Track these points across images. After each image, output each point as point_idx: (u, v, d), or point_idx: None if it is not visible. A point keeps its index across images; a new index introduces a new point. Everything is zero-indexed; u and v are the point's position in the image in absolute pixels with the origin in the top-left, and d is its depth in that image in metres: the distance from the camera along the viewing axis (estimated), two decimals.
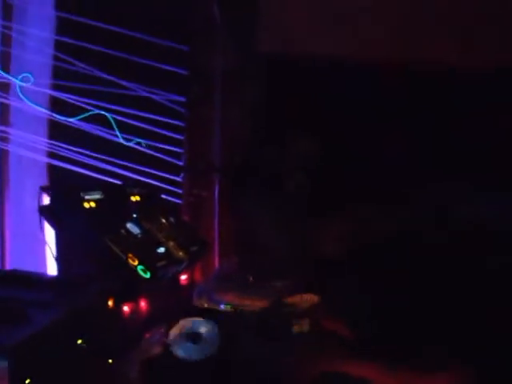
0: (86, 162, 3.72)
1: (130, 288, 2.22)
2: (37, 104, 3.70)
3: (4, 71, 3.63)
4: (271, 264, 2.56)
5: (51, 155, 3.82)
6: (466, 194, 2.00)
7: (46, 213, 2.41)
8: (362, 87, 3.13)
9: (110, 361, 2.01)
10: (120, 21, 3.62)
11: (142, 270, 2.25)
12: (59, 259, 2.53)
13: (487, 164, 2.86)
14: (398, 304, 1.80)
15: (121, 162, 3.71)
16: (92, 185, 2.63)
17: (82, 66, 3.66)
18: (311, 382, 1.96)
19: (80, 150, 3.73)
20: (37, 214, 3.82)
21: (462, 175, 2.65)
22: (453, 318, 1.82)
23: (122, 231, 2.42)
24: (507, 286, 1.82)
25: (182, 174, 3.70)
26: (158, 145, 3.71)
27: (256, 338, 2.07)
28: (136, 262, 2.26)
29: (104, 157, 3.71)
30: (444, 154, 3.00)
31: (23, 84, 3.55)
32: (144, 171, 3.70)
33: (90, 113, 3.62)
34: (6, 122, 3.73)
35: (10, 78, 3.56)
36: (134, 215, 2.59)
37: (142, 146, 3.71)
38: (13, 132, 3.76)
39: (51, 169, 3.88)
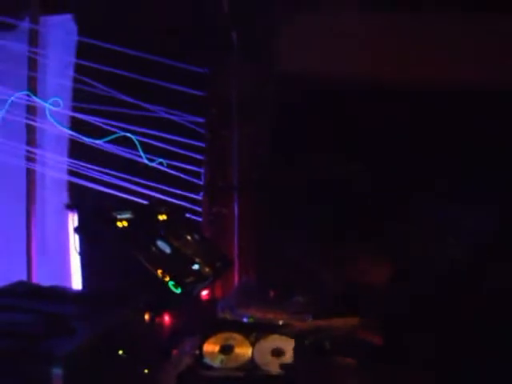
0: (109, 180, 3.87)
1: (163, 302, 2.35)
2: (62, 126, 3.85)
3: (32, 94, 3.79)
4: (294, 279, 2.68)
5: (75, 175, 3.96)
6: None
7: (80, 232, 2.54)
8: (381, 108, 3.25)
9: (146, 370, 2.14)
10: (140, 45, 3.77)
11: (173, 285, 2.39)
12: (91, 275, 2.66)
13: None
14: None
15: (142, 181, 3.86)
16: (122, 204, 2.75)
17: (105, 89, 3.80)
18: None
19: (103, 170, 3.87)
20: (59, 231, 3.99)
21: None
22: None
23: (153, 248, 2.56)
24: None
25: (201, 193, 3.84)
26: (178, 164, 3.85)
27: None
28: (167, 278, 2.39)
29: (126, 176, 3.86)
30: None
31: (53, 108, 3.70)
32: (165, 190, 3.85)
33: (116, 135, 3.77)
34: (32, 143, 3.88)
35: (41, 101, 3.71)
36: (162, 233, 2.72)
37: (163, 166, 3.85)
38: (39, 152, 3.91)
39: (74, 188, 4.03)
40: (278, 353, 2.33)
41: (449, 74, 3.36)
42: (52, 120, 3.74)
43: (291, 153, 3.59)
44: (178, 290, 2.39)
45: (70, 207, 3.78)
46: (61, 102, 3.71)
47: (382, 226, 1.86)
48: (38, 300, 2.16)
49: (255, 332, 2.41)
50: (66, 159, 3.95)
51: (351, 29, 3.52)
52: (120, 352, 1.96)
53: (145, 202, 3.55)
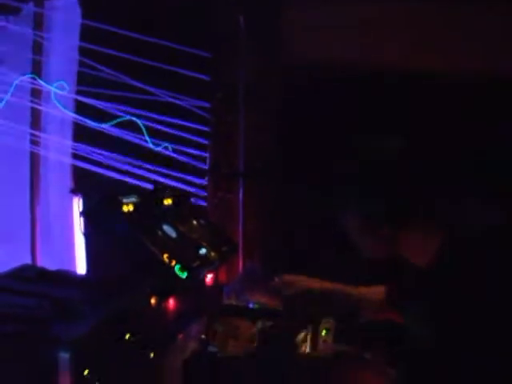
0: (114, 165, 3.86)
1: (169, 287, 2.34)
2: (68, 110, 3.84)
3: (37, 78, 3.77)
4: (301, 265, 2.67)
5: (80, 158, 3.96)
6: None
7: (87, 216, 2.53)
8: (388, 96, 3.24)
9: (152, 355, 2.14)
10: (146, 28, 3.75)
11: (179, 269, 2.37)
12: (97, 260, 2.65)
13: None
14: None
15: (147, 166, 3.85)
16: (127, 189, 2.74)
17: (111, 72, 3.78)
18: None
19: (108, 154, 3.86)
20: (64, 216, 3.99)
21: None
22: None
23: (159, 233, 2.54)
24: None
25: (206, 178, 3.83)
26: (183, 149, 3.84)
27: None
28: (173, 262, 2.38)
29: (131, 160, 3.85)
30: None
31: (58, 91, 3.69)
32: (170, 174, 3.84)
33: (122, 119, 3.75)
34: (37, 127, 3.87)
35: (46, 85, 3.69)
36: (168, 218, 2.71)
37: (168, 150, 3.84)
38: (43, 136, 3.90)
39: (78, 172, 4.02)
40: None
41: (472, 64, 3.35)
42: (57, 103, 3.72)
43: (298, 139, 3.58)
44: (184, 275, 2.38)
45: (75, 191, 3.77)
46: (66, 85, 3.68)
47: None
48: (45, 284, 2.15)
49: (261, 318, 2.40)
50: (70, 143, 3.94)
51: (360, 14, 3.49)
52: (127, 336, 1.95)
53: (150, 187, 3.54)
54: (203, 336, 2.33)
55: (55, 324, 1.79)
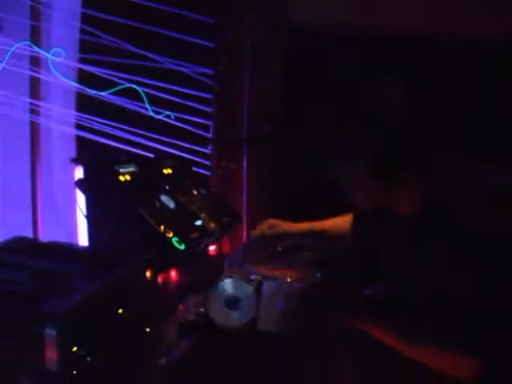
0: (115, 134, 3.79)
1: (165, 259, 2.28)
2: (67, 77, 3.75)
3: (35, 45, 3.68)
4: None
5: (81, 128, 3.88)
6: None
7: (82, 186, 2.46)
8: (392, 58, 3.13)
9: (148, 329, 2.07)
10: None
11: (176, 241, 2.31)
12: (94, 231, 2.58)
13: None
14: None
15: (149, 135, 3.77)
16: (125, 158, 2.66)
17: (110, 38, 3.69)
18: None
19: (109, 123, 3.79)
20: (67, 186, 3.92)
21: None
22: None
23: (157, 203, 2.47)
24: None
25: (210, 146, 3.74)
26: (186, 117, 3.75)
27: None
28: (171, 234, 2.31)
29: (133, 129, 3.77)
30: None
31: (55, 58, 3.60)
32: (173, 143, 3.76)
33: (121, 86, 3.66)
34: (36, 96, 3.78)
35: (42, 51, 3.60)
36: (167, 187, 2.64)
37: (170, 119, 3.76)
38: (43, 105, 3.82)
39: (80, 141, 3.95)
40: None
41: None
42: (54, 71, 3.63)
43: (304, 106, 3.47)
44: (182, 247, 2.31)
45: (76, 161, 3.69)
46: (63, 52, 3.59)
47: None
48: (36, 256, 2.08)
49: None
50: (71, 112, 3.86)
51: None
52: (120, 311, 1.89)
53: (150, 156, 3.47)
54: (201, 309, 2.25)
55: (42, 299, 1.72)
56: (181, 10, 3.64)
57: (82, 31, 3.79)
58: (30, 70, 3.73)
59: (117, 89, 3.65)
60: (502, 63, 3.18)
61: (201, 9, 3.66)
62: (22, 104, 3.71)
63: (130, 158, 2.68)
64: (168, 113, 3.72)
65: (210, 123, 3.74)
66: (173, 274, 2.48)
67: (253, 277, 2.55)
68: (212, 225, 2.67)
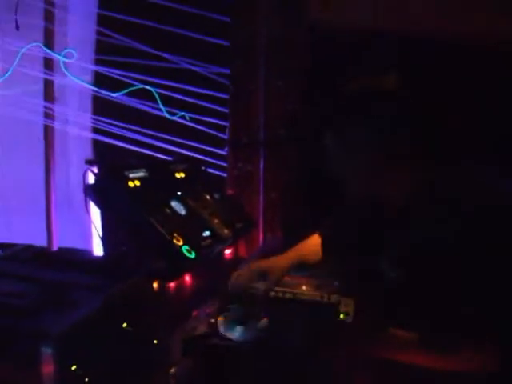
0: (130, 136, 3.73)
1: (175, 268, 2.20)
2: (80, 79, 3.70)
3: (48, 47, 3.63)
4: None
5: (96, 130, 3.83)
6: None
7: (90, 192, 2.39)
8: (410, 58, 3.03)
9: (155, 341, 2.00)
10: None
11: (186, 250, 2.23)
12: (105, 238, 2.51)
13: None
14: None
15: (165, 136, 3.70)
16: (136, 163, 2.59)
17: (124, 39, 3.63)
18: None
19: (124, 125, 3.73)
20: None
21: None
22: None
23: (167, 210, 2.39)
24: None
25: (226, 148, 3.66)
26: (201, 118, 3.68)
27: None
28: (181, 242, 2.24)
29: (148, 131, 3.71)
30: None
31: (66, 60, 3.54)
32: (189, 145, 3.69)
33: (135, 87, 3.60)
34: (50, 98, 3.74)
35: (53, 53, 3.54)
36: (179, 193, 2.56)
37: (186, 120, 3.69)
38: (57, 108, 3.77)
39: (96, 144, 3.89)
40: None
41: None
42: (66, 72, 3.57)
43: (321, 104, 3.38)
44: (192, 255, 2.23)
45: (90, 163, 3.64)
46: (74, 53, 3.53)
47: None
48: (40, 267, 2.02)
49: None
50: (86, 114, 3.81)
51: None
52: (124, 325, 1.82)
53: (162, 159, 3.40)
54: (212, 320, 2.17)
55: (41, 313, 1.65)
56: (196, 8, 3.56)
57: (97, 32, 3.74)
58: (44, 72, 3.68)
59: (130, 89, 3.59)
60: None
61: (216, 7, 3.58)
62: (35, 106, 3.66)
63: (141, 163, 2.61)
64: (183, 113, 3.64)
65: (226, 124, 3.66)
66: (186, 280, 2.42)
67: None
68: (225, 230, 2.59)
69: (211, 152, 3.69)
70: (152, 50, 3.62)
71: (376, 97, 1.83)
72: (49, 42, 3.68)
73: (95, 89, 3.68)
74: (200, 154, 3.64)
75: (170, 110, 3.69)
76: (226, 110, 3.66)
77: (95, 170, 2.64)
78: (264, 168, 3.55)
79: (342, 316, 2.19)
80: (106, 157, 3.79)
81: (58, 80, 3.74)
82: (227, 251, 2.92)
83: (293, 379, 1.86)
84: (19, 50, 3.60)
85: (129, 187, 2.36)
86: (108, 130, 3.74)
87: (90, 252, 2.75)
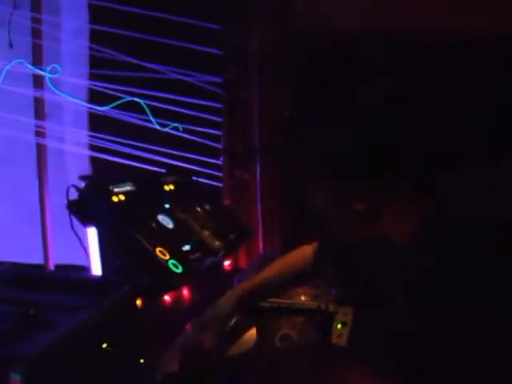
0: (126, 151, 3.66)
1: (160, 284, 2.12)
2: (72, 96, 3.64)
3: (36, 64, 3.57)
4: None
5: (92, 147, 3.77)
6: None
7: (73, 209, 2.32)
8: (404, 61, 2.95)
9: (142, 360, 1.92)
10: (151, 2, 3.51)
11: (173, 264, 2.15)
12: (101, 255, 2.44)
13: None
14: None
15: (160, 149, 3.63)
16: (122, 176, 2.52)
17: (113, 53, 3.57)
18: None
19: (120, 140, 3.66)
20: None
21: None
22: None
23: (153, 224, 2.31)
24: None
25: (221, 157, 3.59)
26: (195, 128, 3.61)
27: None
28: (167, 256, 2.16)
29: (144, 145, 3.64)
30: None
31: (52, 75, 3.48)
32: (184, 156, 3.61)
33: (124, 100, 3.53)
34: (40, 116, 3.68)
35: (38, 70, 3.49)
36: (167, 206, 2.49)
37: (179, 131, 3.62)
38: (51, 125, 3.71)
39: (95, 160, 3.83)
40: (286, 339, 2.07)
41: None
42: (53, 88, 3.51)
43: (317, 114, 3.31)
44: (179, 270, 2.15)
45: (84, 179, 3.57)
46: (59, 68, 3.47)
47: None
48: (19, 288, 1.95)
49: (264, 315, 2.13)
50: (78, 131, 3.75)
51: None
52: (104, 346, 1.73)
53: (153, 172, 3.33)
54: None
55: (15, 337, 1.57)
56: (185, 16, 3.49)
57: (88, 47, 3.68)
58: (34, 90, 3.63)
59: (118, 103, 3.52)
60: None
61: (206, 15, 3.51)
62: (26, 126, 3.61)
63: (129, 176, 2.53)
64: (175, 125, 3.57)
65: (220, 133, 3.59)
66: (173, 297, 2.33)
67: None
68: (216, 242, 2.51)
69: (207, 162, 3.61)
70: (143, 62, 3.56)
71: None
72: (37, 59, 3.62)
73: (87, 105, 3.61)
74: (195, 165, 3.56)
75: (163, 121, 3.62)
76: (218, 119, 3.59)
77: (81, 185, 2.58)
78: (261, 176, 3.47)
79: (339, 326, 2.11)
80: (104, 173, 3.73)
81: (50, 97, 3.68)
82: (226, 262, 2.84)
83: None
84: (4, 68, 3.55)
85: (112, 202, 2.29)
86: (105, 146, 3.67)
87: (87, 269, 2.67)
